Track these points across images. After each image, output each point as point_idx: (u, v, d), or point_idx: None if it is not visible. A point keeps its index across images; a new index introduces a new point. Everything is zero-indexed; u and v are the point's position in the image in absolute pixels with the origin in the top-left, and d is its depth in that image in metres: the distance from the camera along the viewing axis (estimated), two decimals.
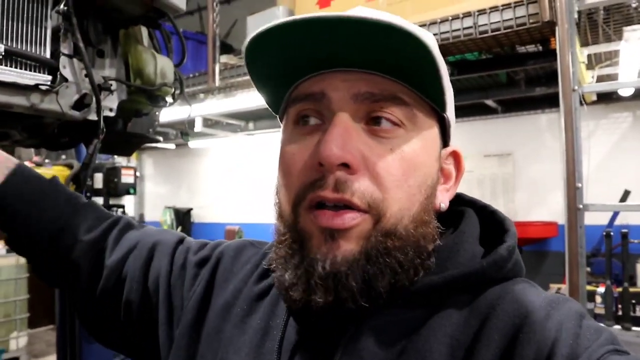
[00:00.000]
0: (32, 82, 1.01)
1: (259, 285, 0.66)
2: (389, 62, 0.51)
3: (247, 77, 3.49)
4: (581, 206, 2.33)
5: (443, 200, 0.58)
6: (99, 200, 2.99)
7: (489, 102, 4.78)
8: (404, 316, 0.53)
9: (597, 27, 3.09)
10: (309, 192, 0.52)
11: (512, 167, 5.26)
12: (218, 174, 7.13)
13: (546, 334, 0.47)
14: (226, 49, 4.07)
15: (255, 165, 6.68)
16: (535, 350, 0.47)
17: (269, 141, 6.33)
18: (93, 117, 1.18)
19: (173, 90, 1.45)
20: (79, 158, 3.19)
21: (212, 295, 0.68)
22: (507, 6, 2.59)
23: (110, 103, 1.25)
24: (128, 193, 3.10)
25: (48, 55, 1.06)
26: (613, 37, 3.25)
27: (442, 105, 0.55)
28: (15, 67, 1.00)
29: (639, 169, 4.55)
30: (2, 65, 0.97)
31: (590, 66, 3.66)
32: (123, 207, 3.13)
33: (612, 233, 2.68)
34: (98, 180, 3.01)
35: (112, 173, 2.97)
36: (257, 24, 3.54)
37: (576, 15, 2.48)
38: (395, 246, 0.52)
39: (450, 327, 0.51)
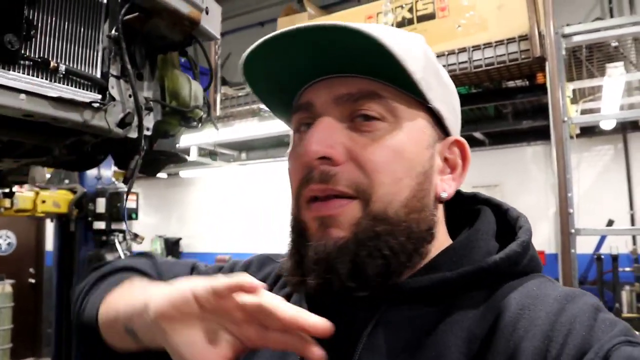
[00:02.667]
0: (87, 100, 1.09)
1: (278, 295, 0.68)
2: (366, 66, 0.55)
3: (244, 108, 3.59)
4: (573, 230, 2.44)
5: (447, 189, 0.60)
6: (101, 225, 3.03)
7: (478, 135, 4.96)
8: (421, 311, 0.55)
9: (581, 64, 3.28)
10: (303, 188, 0.57)
11: (500, 198, 5.34)
12: (209, 203, 7.16)
13: (558, 327, 0.48)
14: (221, 81, 4.19)
15: (247, 195, 6.74)
16: (547, 342, 0.47)
17: (261, 171, 6.42)
18: (132, 135, 1.26)
19: (202, 113, 1.53)
20: (83, 183, 3.24)
21: None
22: (500, 43, 2.76)
23: (148, 123, 1.33)
24: (130, 218, 3.14)
25: (99, 75, 1.14)
26: (595, 73, 3.45)
27: (424, 98, 0.58)
28: (71, 86, 1.08)
29: (622, 199, 4.71)
30: (62, 83, 1.05)
31: (574, 101, 3.85)
32: (124, 232, 3.15)
33: (602, 257, 2.79)
34: (100, 204, 3.05)
35: (115, 198, 3.02)
36: None
37: (564, 52, 2.65)
38: (385, 230, 0.54)
39: (467, 322, 0.53)
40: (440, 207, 0.62)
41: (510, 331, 0.50)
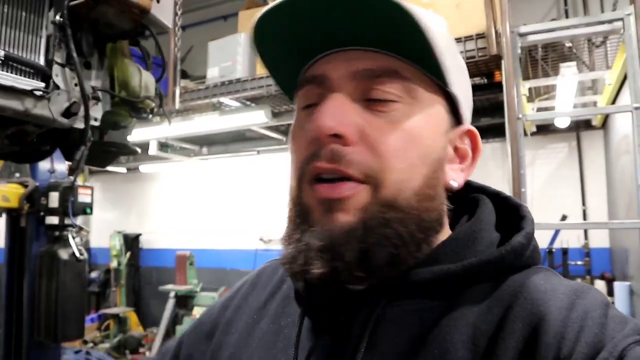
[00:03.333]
0: (28, 87, 1.05)
1: (265, 293, 0.68)
2: (388, 39, 0.52)
3: (204, 101, 3.53)
4: None
5: (456, 179, 0.58)
6: (54, 220, 2.93)
7: None
8: (424, 306, 0.53)
9: (537, 63, 3.36)
10: (308, 165, 0.53)
11: None
12: (169, 198, 7.04)
13: (570, 323, 0.47)
14: (181, 74, 4.11)
15: (208, 190, 6.66)
16: (559, 339, 0.46)
17: (222, 166, 6.35)
18: (78, 125, 1.22)
19: (154, 104, 1.50)
20: (35, 176, 3.13)
21: (215, 333, 0.69)
22: (458, 40, 2.79)
23: (95, 113, 1.29)
24: (84, 213, 3.05)
25: (42, 62, 1.10)
26: (550, 72, 3.55)
27: (444, 81, 0.55)
28: (11, 73, 1.04)
29: (575, 195, 4.87)
30: (1, 70, 1.00)
31: (530, 99, 3.94)
32: (79, 227, 3.05)
33: (554, 250, 2.87)
34: (54, 199, 2.95)
35: (69, 192, 2.92)
36: (218, 50, 3.63)
37: (519, 51, 2.71)
38: (395, 218, 0.51)
39: (472, 316, 0.51)
40: (446, 197, 0.59)
41: (520, 326, 0.48)
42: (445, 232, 0.58)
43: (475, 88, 3.74)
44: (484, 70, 3.18)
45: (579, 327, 0.46)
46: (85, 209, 3.06)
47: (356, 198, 0.51)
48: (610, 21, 2.56)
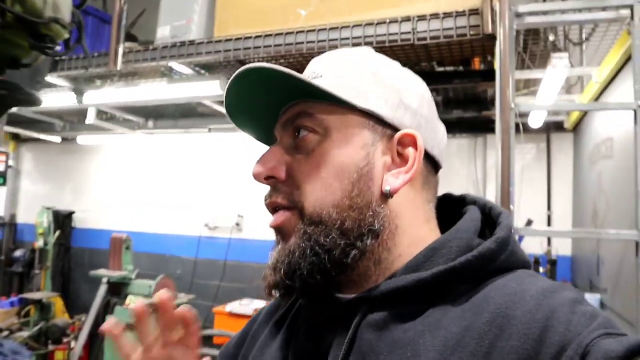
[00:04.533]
0: None
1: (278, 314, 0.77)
2: (296, 93, 0.63)
3: (151, 64, 3.04)
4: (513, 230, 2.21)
5: (392, 184, 0.62)
6: None
7: None
8: (400, 312, 0.57)
9: (518, 54, 3.09)
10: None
11: None
12: (109, 174, 6.45)
13: (534, 324, 0.49)
14: (131, 38, 3.62)
15: (151, 169, 6.12)
16: (524, 340, 0.48)
17: (169, 143, 5.82)
18: None
19: (68, 35, 1.08)
20: None
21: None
22: (448, 15, 2.46)
23: None
24: None
25: None
26: (531, 65, 3.29)
27: (349, 104, 0.62)
28: None
29: (541, 198, 4.69)
30: None
31: None
32: None
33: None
34: None
35: None
36: (171, 6, 3.16)
37: (515, 33, 2.40)
38: (317, 231, 0.59)
39: (446, 321, 0.54)
40: (401, 202, 0.63)
41: (486, 330, 0.51)
42: (420, 240, 0.63)
43: (453, 75, 3.44)
44: (467, 53, 2.88)
45: (542, 326, 0.48)
46: None
47: (289, 223, 0.62)
48: (617, 7, 2.28)
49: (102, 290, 5.29)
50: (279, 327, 0.72)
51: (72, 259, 6.48)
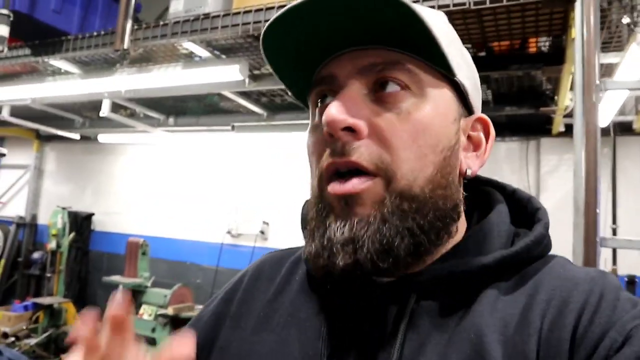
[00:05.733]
0: None
1: (273, 286, 0.68)
2: (390, 35, 0.54)
3: (162, 42, 2.63)
4: (599, 239, 1.71)
5: (471, 166, 0.60)
6: None
7: None
8: (456, 297, 0.55)
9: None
10: (325, 161, 0.55)
11: None
12: (129, 176, 6.14)
13: (587, 306, 0.50)
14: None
15: (172, 170, 5.78)
16: (577, 321, 0.49)
17: (191, 142, 5.46)
18: None
19: None
20: None
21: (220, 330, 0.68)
22: None
23: None
24: None
25: None
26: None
27: (449, 70, 0.56)
28: None
29: (604, 211, 4.11)
30: None
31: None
32: None
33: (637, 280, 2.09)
34: None
35: None
36: None
37: None
38: (411, 208, 0.53)
39: (501, 304, 0.53)
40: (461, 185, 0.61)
41: (545, 311, 0.51)
42: (462, 222, 0.60)
43: (508, 60, 2.94)
44: (530, 26, 2.40)
45: (594, 309, 0.50)
46: None
47: (371, 191, 0.53)
48: None
49: None
50: (276, 309, 0.64)
51: (90, 263, 6.18)
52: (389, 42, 0.55)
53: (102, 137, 5.60)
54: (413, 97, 0.55)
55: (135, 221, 5.92)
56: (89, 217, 6.15)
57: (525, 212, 0.62)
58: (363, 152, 0.53)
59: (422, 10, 0.52)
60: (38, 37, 3.06)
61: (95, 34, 2.90)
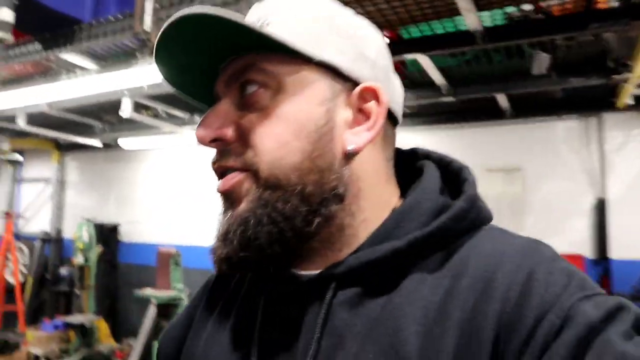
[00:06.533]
0: None
1: (222, 298, 0.69)
2: (242, 44, 0.55)
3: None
4: None
5: (355, 142, 0.57)
6: None
7: (501, 99, 3.81)
8: (373, 285, 0.54)
9: None
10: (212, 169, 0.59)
11: (522, 185, 4.29)
12: (155, 183, 5.84)
13: (514, 286, 0.48)
14: None
15: (202, 173, 5.44)
16: (505, 303, 0.47)
17: None
18: None
19: None
20: None
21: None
22: None
23: None
24: None
25: None
26: None
27: (306, 56, 0.56)
28: None
29: None
30: None
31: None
32: None
33: None
34: None
35: None
36: None
37: None
38: (275, 197, 0.54)
39: (423, 289, 0.52)
40: (364, 161, 0.59)
41: (467, 295, 0.49)
42: (387, 204, 0.60)
43: (581, 20, 2.52)
44: None
45: (522, 288, 0.47)
46: None
47: (243, 186, 0.55)
48: None
49: (152, 312, 4.63)
50: (228, 313, 0.65)
51: (119, 276, 5.90)
52: (246, 50, 0.56)
53: (124, 142, 5.30)
54: (270, 91, 0.56)
55: (164, 229, 5.60)
56: (115, 228, 5.86)
57: (458, 183, 0.60)
58: (231, 154, 0.56)
59: (269, 6, 0.58)
60: (48, 28, 2.74)
61: (111, 18, 2.57)
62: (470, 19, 2.36)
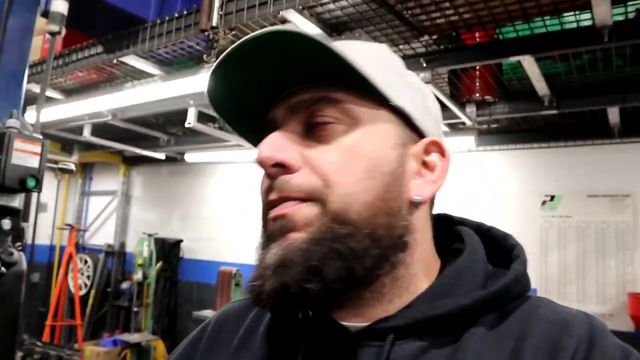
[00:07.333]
0: None
1: (237, 337, 0.67)
2: (319, 71, 0.55)
3: (262, 11, 2.04)
4: None
5: (421, 193, 0.58)
6: None
7: (613, 114, 3.27)
8: (432, 342, 0.53)
9: None
10: (264, 199, 0.57)
11: (632, 214, 3.69)
12: (220, 198, 5.62)
13: (579, 352, 0.49)
14: None
15: None
16: None
17: None
18: None
19: None
20: None
21: None
22: None
23: None
24: (24, 187, 1.62)
25: None
26: None
27: (383, 96, 0.56)
28: None
29: None
30: None
31: None
32: (17, 212, 1.65)
33: None
34: None
35: None
36: None
37: None
38: (345, 233, 0.52)
39: (483, 349, 0.51)
40: (420, 215, 0.59)
41: (535, 356, 0.50)
42: (431, 258, 0.61)
43: None
44: None
45: (585, 354, 0.49)
46: (25, 180, 1.63)
47: (302, 213, 0.53)
48: None
49: None
50: (249, 356, 0.62)
51: (179, 294, 5.69)
52: (320, 80, 0.56)
53: (189, 156, 5.12)
54: (344, 126, 0.55)
55: (227, 247, 5.34)
56: (177, 243, 5.68)
57: (501, 250, 0.61)
58: (293, 184, 0.54)
59: (346, 46, 0.54)
60: (110, 29, 2.53)
61: (176, 15, 2.31)
62: (602, 11, 1.92)
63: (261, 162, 0.54)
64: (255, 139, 0.64)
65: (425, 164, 0.60)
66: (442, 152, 0.60)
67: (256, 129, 0.62)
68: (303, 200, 0.53)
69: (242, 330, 0.66)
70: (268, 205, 0.56)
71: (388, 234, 0.54)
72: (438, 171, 0.60)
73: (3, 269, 1.60)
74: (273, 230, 0.54)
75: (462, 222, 0.65)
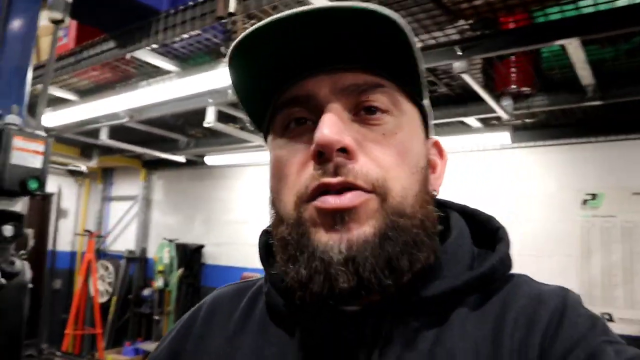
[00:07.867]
0: None
1: (232, 321, 0.66)
2: (371, 55, 0.54)
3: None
4: None
5: (435, 188, 0.61)
6: None
7: None
8: (426, 321, 0.55)
9: None
10: (311, 183, 0.52)
11: None
12: (243, 202, 5.48)
13: (552, 324, 0.52)
14: None
15: None
16: (543, 337, 0.51)
17: None
18: None
19: None
20: None
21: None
22: None
23: None
24: (25, 190, 1.47)
25: None
26: None
27: (419, 94, 0.59)
28: None
29: None
30: None
31: None
32: (20, 217, 1.50)
33: None
34: None
35: None
36: None
37: None
38: (406, 224, 0.53)
39: (469, 325, 0.54)
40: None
41: (513, 329, 0.52)
42: None
43: None
44: None
45: (557, 325, 0.51)
46: (26, 182, 1.48)
47: (367, 206, 0.52)
48: None
49: None
50: (239, 345, 0.62)
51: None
52: (368, 62, 0.55)
53: (210, 159, 4.98)
54: (394, 118, 0.55)
55: (250, 253, 5.19)
56: (199, 249, 5.54)
57: (485, 232, 0.63)
58: (358, 172, 0.52)
59: (409, 30, 0.53)
60: (120, 22, 2.39)
61: (191, 3, 2.15)
62: None
63: (327, 145, 0.50)
64: (257, 117, 0.62)
65: (429, 162, 0.62)
66: (440, 153, 0.65)
67: (261, 107, 0.60)
68: (367, 191, 0.52)
69: (237, 314, 0.66)
70: (318, 189, 0.52)
71: (430, 224, 0.56)
72: (439, 170, 0.64)
73: (3, 280, 1.45)
74: (324, 220, 0.51)
75: (445, 204, 0.66)
